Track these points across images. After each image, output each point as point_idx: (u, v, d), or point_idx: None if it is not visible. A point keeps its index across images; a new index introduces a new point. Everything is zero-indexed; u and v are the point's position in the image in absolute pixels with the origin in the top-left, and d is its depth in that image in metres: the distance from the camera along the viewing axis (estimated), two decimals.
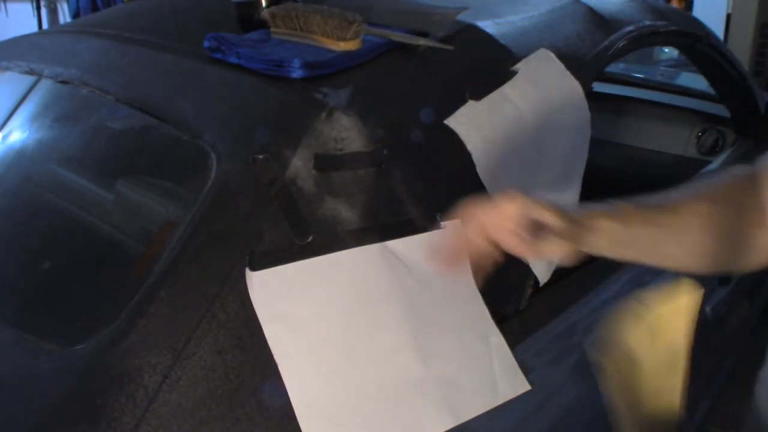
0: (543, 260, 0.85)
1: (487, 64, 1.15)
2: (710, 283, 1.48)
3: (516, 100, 1.12)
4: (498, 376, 0.95)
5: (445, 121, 1.03)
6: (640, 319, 0.92)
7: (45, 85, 1.26)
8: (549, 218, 0.79)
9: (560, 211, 0.81)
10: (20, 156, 1.26)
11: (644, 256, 0.84)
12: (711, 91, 2.14)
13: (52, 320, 0.95)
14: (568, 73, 1.22)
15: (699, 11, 4.49)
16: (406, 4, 1.26)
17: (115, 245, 1.08)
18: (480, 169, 1.04)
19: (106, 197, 1.17)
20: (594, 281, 1.23)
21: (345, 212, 0.91)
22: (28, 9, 5.58)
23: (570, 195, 1.20)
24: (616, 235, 0.81)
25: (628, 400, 0.90)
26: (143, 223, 1.10)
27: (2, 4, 5.74)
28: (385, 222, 0.93)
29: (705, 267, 0.83)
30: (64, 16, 5.76)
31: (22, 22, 5.29)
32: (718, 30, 4.24)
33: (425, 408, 0.88)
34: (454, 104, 1.05)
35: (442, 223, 0.98)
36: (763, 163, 0.82)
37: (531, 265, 1.08)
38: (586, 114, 1.23)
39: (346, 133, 0.95)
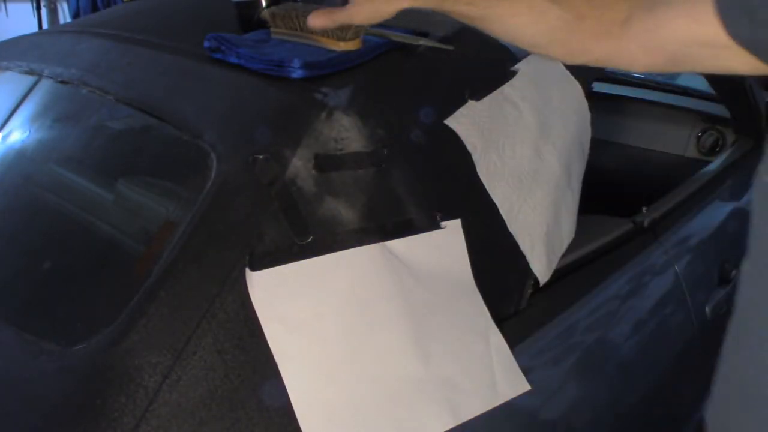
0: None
1: (487, 64, 1.15)
2: (710, 283, 1.48)
3: (516, 100, 1.12)
4: (498, 376, 0.95)
5: (445, 121, 1.03)
6: None
7: (45, 85, 1.26)
8: None
9: None
10: (20, 156, 1.26)
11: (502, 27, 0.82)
12: (711, 91, 2.14)
13: (52, 320, 0.95)
14: (568, 73, 1.22)
15: None
16: None
17: (115, 245, 1.08)
18: (480, 169, 1.04)
19: (106, 197, 1.16)
20: (594, 281, 1.24)
21: (345, 212, 0.91)
22: (28, 9, 5.58)
23: (570, 195, 1.20)
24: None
25: None
26: (143, 223, 1.10)
27: (2, 4, 5.74)
28: (385, 222, 0.93)
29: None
30: (64, 16, 5.76)
31: (22, 22, 5.30)
32: None
33: (425, 408, 0.88)
34: (454, 104, 1.05)
35: (442, 223, 0.98)
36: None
37: (531, 265, 1.08)
38: (586, 114, 1.23)
39: (346, 133, 0.95)
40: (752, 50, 0.70)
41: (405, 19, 1.18)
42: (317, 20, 0.82)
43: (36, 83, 1.27)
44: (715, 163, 1.85)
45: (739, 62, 0.72)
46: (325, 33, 1.05)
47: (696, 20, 0.73)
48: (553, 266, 1.13)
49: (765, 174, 0.67)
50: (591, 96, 1.25)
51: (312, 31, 1.05)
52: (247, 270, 0.83)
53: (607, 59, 0.83)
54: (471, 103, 1.07)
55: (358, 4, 0.82)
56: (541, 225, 1.10)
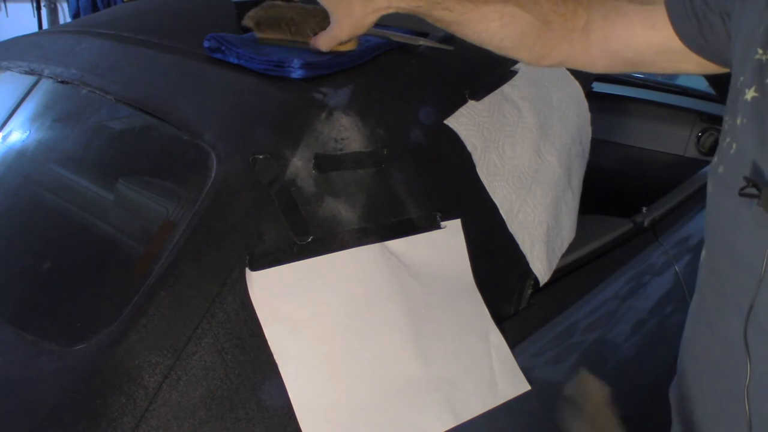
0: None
1: (487, 64, 1.15)
2: None
3: (516, 100, 1.12)
4: (498, 376, 0.95)
5: (445, 121, 1.03)
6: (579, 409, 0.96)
7: (45, 85, 1.26)
8: None
9: None
10: (20, 156, 1.26)
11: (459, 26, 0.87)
12: (711, 91, 2.14)
13: (52, 320, 0.95)
14: (568, 73, 1.22)
15: None
16: None
17: (115, 245, 1.08)
18: (480, 169, 1.04)
19: (107, 197, 1.16)
20: (594, 281, 1.24)
21: (345, 212, 0.91)
22: (28, 9, 5.58)
23: (570, 195, 1.20)
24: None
25: None
26: (143, 223, 1.10)
27: (2, 4, 5.75)
28: (385, 222, 0.93)
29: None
30: (64, 16, 5.76)
31: (22, 22, 5.30)
32: None
33: (425, 408, 0.88)
34: (454, 104, 1.05)
35: (442, 223, 0.98)
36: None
37: (531, 265, 1.08)
38: (586, 114, 1.23)
39: (346, 133, 0.95)
40: (701, 53, 0.77)
41: (405, 19, 1.18)
42: (321, 47, 0.93)
43: (36, 83, 1.27)
44: None
45: (690, 64, 0.79)
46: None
47: (651, 27, 0.79)
48: (553, 266, 1.13)
49: (718, 168, 0.71)
50: (591, 96, 1.25)
51: (304, 35, 1.03)
52: (247, 270, 0.83)
53: (568, 61, 0.89)
54: (471, 103, 1.07)
55: (339, 24, 0.89)
56: (541, 225, 1.10)
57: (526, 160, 1.11)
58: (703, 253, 0.77)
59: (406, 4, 0.86)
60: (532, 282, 1.09)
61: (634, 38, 0.80)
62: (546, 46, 0.86)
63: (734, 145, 0.69)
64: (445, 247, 0.98)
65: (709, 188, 0.75)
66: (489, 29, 0.86)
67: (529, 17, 0.84)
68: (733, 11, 0.71)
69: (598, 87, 2.30)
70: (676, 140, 2.26)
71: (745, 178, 0.65)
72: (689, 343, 0.83)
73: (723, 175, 0.71)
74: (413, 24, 1.16)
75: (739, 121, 0.68)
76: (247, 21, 1.08)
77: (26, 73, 1.28)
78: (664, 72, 0.84)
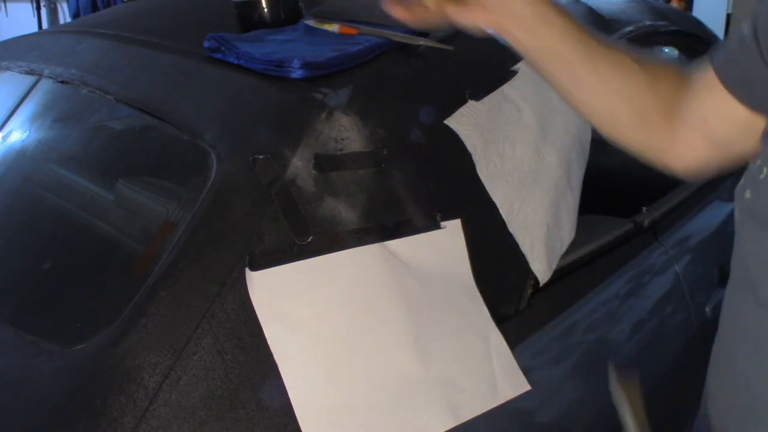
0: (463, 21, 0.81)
1: (487, 64, 1.15)
2: (710, 283, 1.48)
3: (516, 100, 1.12)
4: (498, 376, 0.95)
5: (445, 121, 1.03)
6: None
7: (45, 85, 1.26)
8: None
9: None
10: (20, 156, 1.26)
11: (565, 73, 0.81)
12: None
13: (52, 320, 0.95)
14: None
15: (699, 11, 4.49)
16: None
17: (115, 245, 1.08)
18: (480, 169, 1.04)
19: (107, 197, 1.16)
20: (594, 281, 1.23)
21: (345, 212, 0.91)
22: (28, 9, 5.59)
23: (570, 195, 1.20)
24: (558, 36, 0.78)
25: None
26: (143, 223, 1.10)
27: (2, 4, 5.75)
28: (385, 222, 0.93)
29: (610, 121, 0.83)
30: (64, 16, 5.77)
31: (22, 22, 5.30)
32: (718, 30, 4.23)
33: (425, 408, 0.88)
34: (454, 104, 1.05)
35: (442, 223, 0.98)
36: (701, 67, 0.81)
37: (531, 265, 1.08)
38: None
39: (346, 133, 0.95)
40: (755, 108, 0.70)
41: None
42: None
43: (36, 83, 1.27)
44: None
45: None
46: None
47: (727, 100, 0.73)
48: (553, 266, 1.13)
49: (745, 191, 0.66)
50: None
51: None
52: (247, 270, 0.83)
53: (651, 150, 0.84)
54: (471, 103, 1.07)
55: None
56: (541, 225, 1.10)
57: (526, 160, 1.11)
58: (729, 286, 0.72)
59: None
60: (532, 282, 1.09)
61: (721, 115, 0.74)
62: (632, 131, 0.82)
63: (765, 170, 0.63)
64: (445, 247, 0.98)
65: (736, 214, 0.69)
66: (608, 75, 0.80)
67: (644, 75, 0.79)
68: None
69: None
70: None
71: None
72: (717, 391, 0.76)
73: (750, 202, 0.65)
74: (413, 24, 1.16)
75: None
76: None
77: (26, 73, 1.28)
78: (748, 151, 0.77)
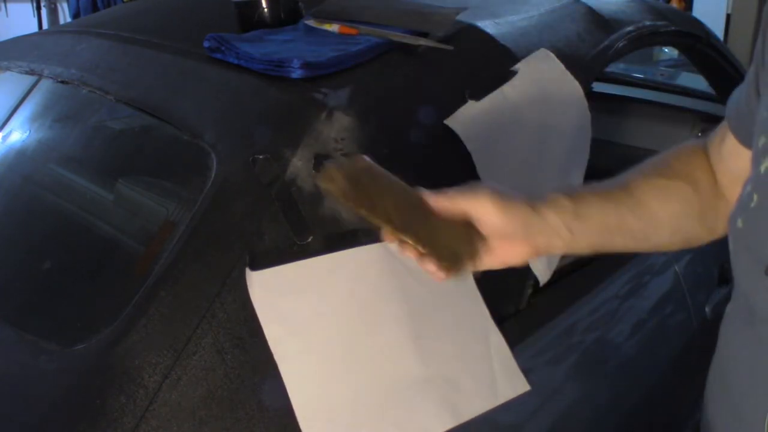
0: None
1: (487, 64, 1.15)
2: (710, 283, 1.48)
3: (516, 100, 1.12)
4: (498, 376, 0.95)
5: (445, 121, 1.03)
6: None
7: (45, 85, 1.26)
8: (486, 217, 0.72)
9: (511, 203, 0.73)
10: (20, 156, 1.26)
11: (607, 238, 0.78)
12: (711, 91, 2.14)
13: (52, 320, 0.95)
14: (568, 73, 1.22)
15: (699, 11, 4.49)
16: (406, 4, 1.26)
17: (116, 245, 1.08)
18: (480, 169, 1.04)
19: (107, 197, 1.17)
20: (594, 281, 1.23)
21: (345, 212, 0.91)
22: (28, 9, 5.59)
23: None
24: (578, 218, 0.75)
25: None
26: (143, 223, 1.10)
27: (2, 4, 5.75)
28: None
29: (676, 242, 0.81)
30: (64, 16, 5.77)
31: (22, 22, 5.30)
32: (718, 30, 4.24)
33: (425, 408, 0.88)
34: (454, 104, 1.05)
35: None
36: (712, 138, 0.82)
37: (531, 265, 1.08)
38: (586, 114, 1.23)
39: (346, 133, 0.95)
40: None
41: (405, 19, 1.18)
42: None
43: (36, 83, 1.27)
44: None
45: None
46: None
47: (738, 154, 0.73)
48: (553, 267, 1.13)
49: (737, 220, 0.64)
50: (591, 96, 1.25)
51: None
52: (247, 270, 0.83)
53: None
54: (471, 103, 1.07)
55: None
56: None
57: (526, 160, 1.11)
58: (727, 309, 0.71)
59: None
60: (532, 282, 1.09)
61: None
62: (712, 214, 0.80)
63: (755, 197, 0.61)
64: None
65: (730, 243, 0.66)
66: (645, 212, 0.79)
67: (674, 180, 0.79)
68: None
69: (598, 87, 2.30)
70: (676, 140, 2.26)
71: None
72: (712, 418, 0.75)
73: (742, 231, 0.62)
74: (413, 24, 1.16)
75: (763, 169, 0.60)
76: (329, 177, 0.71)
77: (26, 73, 1.28)
78: None
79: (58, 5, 5.80)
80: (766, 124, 0.62)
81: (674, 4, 4.51)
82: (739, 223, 0.63)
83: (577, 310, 1.17)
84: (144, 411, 0.77)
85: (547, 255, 0.78)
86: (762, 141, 0.62)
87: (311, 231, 0.88)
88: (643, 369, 1.27)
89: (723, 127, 0.79)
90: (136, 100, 1.09)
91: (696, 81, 2.35)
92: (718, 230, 0.81)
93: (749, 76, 0.71)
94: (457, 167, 1.04)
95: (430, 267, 0.72)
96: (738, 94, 0.75)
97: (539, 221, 0.74)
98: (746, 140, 0.72)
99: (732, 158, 0.77)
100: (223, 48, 1.07)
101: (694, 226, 0.80)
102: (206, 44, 1.09)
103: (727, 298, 0.73)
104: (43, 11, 5.64)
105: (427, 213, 0.73)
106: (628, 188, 0.79)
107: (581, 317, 1.17)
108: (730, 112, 0.77)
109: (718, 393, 0.73)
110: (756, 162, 0.62)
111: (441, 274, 0.72)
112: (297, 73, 1.00)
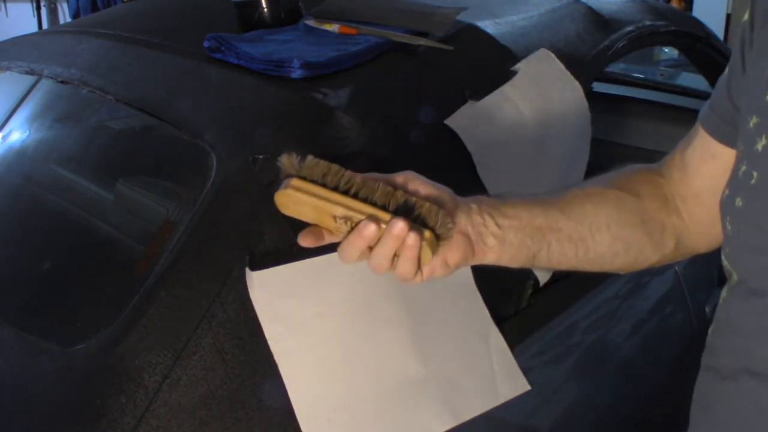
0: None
1: (487, 64, 1.15)
2: (710, 283, 1.48)
3: (516, 100, 1.12)
4: (498, 376, 0.95)
5: (445, 121, 1.03)
6: None
7: (45, 85, 1.26)
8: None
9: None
10: (20, 156, 1.26)
11: (541, 241, 0.76)
12: (711, 91, 2.14)
13: (52, 320, 0.95)
14: (568, 73, 1.22)
15: (699, 11, 4.49)
16: (406, 4, 1.26)
17: (116, 245, 1.08)
18: (480, 169, 1.04)
19: (107, 197, 1.17)
20: (594, 281, 1.23)
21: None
22: (28, 9, 5.58)
23: None
24: (504, 216, 0.73)
25: None
26: (143, 223, 1.10)
27: (2, 4, 5.75)
28: None
29: (619, 252, 0.79)
30: (64, 16, 5.76)
31: (22, 22, 5.30)
32: (718, 30, 4.24)
33: (425, 408, 0.88)
34: (454, 104, 1.05)
35: None
36: (669, 156, 0.82)
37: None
38: (586, 114, 1.23)
39: (346, 133, 0.95)
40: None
41: (405, 19, 1.18)
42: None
43: (36, 83, 1.27)
44: None
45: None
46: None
47: (712, 157, 0.74)
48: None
49: (735, 201, 0.64)
50: (591, 96, 1.25)
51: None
52: (247, 270, 0.83)
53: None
54: (471, 103, 1.07)
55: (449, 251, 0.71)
56: None
57: (526, 160, 1.11)
58: (723, 293, 0.69)
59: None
60: (532, 282, 1.09)
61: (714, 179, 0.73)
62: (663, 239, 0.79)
63: (755, 174, 0.61)
64: None
65: (727, 226, 0.65)
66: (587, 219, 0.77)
67: (615, 191, 0.79)
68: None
69: (598, 87, 2.30)
70: (676, 140, 2.26)
71: None
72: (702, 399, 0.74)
73: (743, 209, 0.62)
74: (413, 24, 1.16)
75: (760, 147, 0.60)
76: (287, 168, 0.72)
77: (26, 73, 1.28)
78: None
79: (58, 5, 5.80)
80: (756, 105, 0.63)
81: (674, 4, 4.50)
82: (738, 202, 0.63)
83: (577, 310, 1.17)
84: (144, 411, 0.77)
85: (485, 259, 0.76)
86: (754, 121, 0.62)
87: None
88: (643, 369, 1.27)
89: (686, 140, 0.80)
90: (136, 100, 1.09)
91: (696, 81, 2.34)
92: (667, 247, 0.80)
93: (732, 63, 0.72)
94: (457, 167, 1.04)
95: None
96: (714, 94, 0.77)
97: (465, 207, 0.71)
98: (726, 134, 0.72)
99: (704, 163, 0.76)
100: (223, 48, 1.07)
101: (637, 235, 0.78)
102: (206, 44, 1.09)
103: None
104: (43, 11, 5.63)
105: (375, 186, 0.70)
106: (559, 195, 0.78)
107: (581, 317, 1.17)
108: (703, 114, 0.78)
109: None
110: (750, 142, 0.63)
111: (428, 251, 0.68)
112: (297, 73, 1.00)
